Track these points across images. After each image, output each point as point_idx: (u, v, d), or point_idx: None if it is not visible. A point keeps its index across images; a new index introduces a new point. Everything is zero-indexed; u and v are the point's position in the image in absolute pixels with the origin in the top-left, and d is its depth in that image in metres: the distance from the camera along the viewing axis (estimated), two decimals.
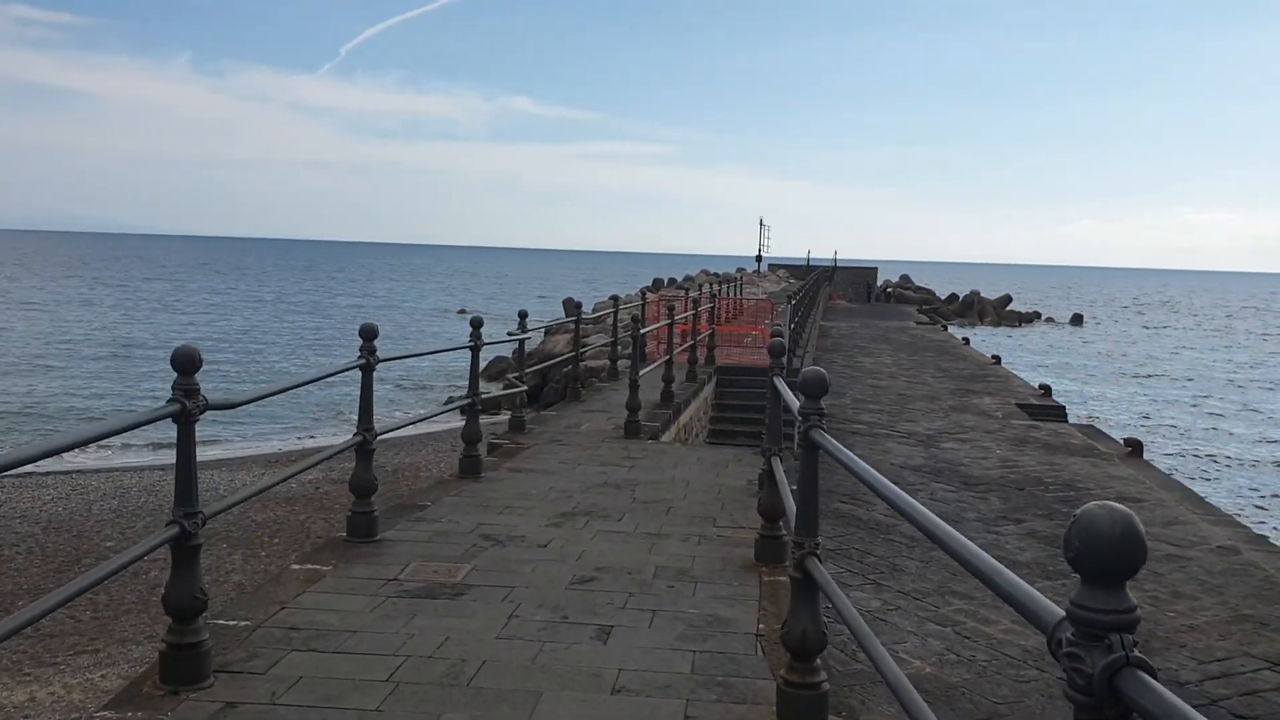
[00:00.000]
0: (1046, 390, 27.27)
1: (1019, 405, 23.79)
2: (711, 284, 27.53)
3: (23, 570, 13.62)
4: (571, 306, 59.43)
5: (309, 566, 5.94)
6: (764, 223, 66.30)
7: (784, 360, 6.24)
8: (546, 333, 35.66)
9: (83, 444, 3.88)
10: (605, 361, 21.94)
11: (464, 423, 8.86)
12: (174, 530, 4.08)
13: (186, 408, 4.04)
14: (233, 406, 4.62)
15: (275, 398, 5.72)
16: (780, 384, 5.74)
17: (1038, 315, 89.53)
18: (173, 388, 4.07)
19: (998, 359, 35.20)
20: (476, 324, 8.55)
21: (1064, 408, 24.99)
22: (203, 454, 23.12)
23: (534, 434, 11.12)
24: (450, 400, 33.25)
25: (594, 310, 47.92)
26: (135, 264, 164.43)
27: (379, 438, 6.75)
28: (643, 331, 11.20)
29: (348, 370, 6.40)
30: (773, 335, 8.45)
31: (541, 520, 7.26)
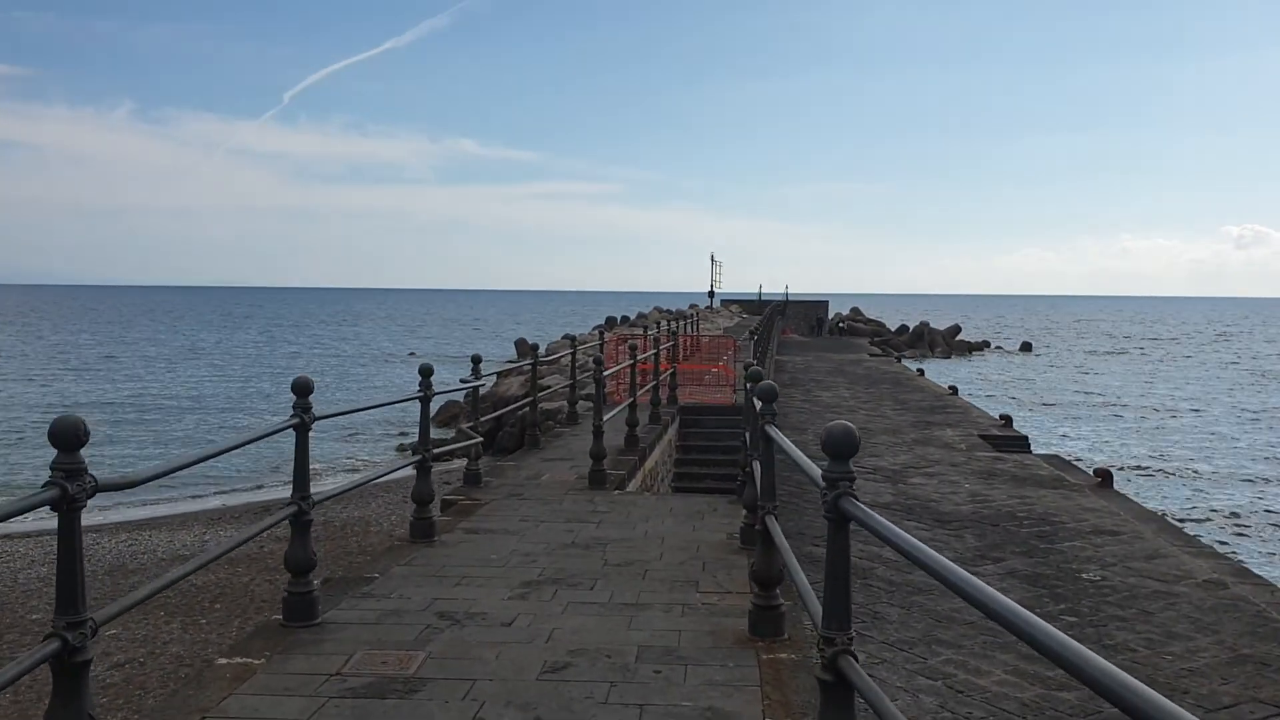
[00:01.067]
0: (1007, 420, 26.94)
1: (981, 436, 23.37)
2: (669, 321, 26.93)
3: None
4: (525, 347, 58.48)
5: (237, 661, 5.11)
6: (715, 258, 66.05)
7: (774, 407, 5.54)
8: (499, 375, 34.71)
9: None
10: (563, 404, 21.20)
11: (415, 480, 8.07)
12: (54, 645, 3.27)
13: (68, 492, 3.26)
14: (130, 486, 3.83)
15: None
16: (780, 437, 5.04)
17: (987, 344, 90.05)
18: (51, 467, 3.31)
19: (955, 389, 34.93)
20: (425, 372, 7.80)
21: (1026, 438, 24.65)
22: (140, 513, 22.05)
23: (491, 487, 10.32)
24: (401, 448, 32.24)
25: (548, 351, 47.14)
26: (75, 314, 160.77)
27: (317, 504, 5.94)
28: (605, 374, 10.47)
29: (279, 432, 5.60)
30: (751, 374, 7.78)
31: (504, 592, 6.47)
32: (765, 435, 5.46)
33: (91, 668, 3.51)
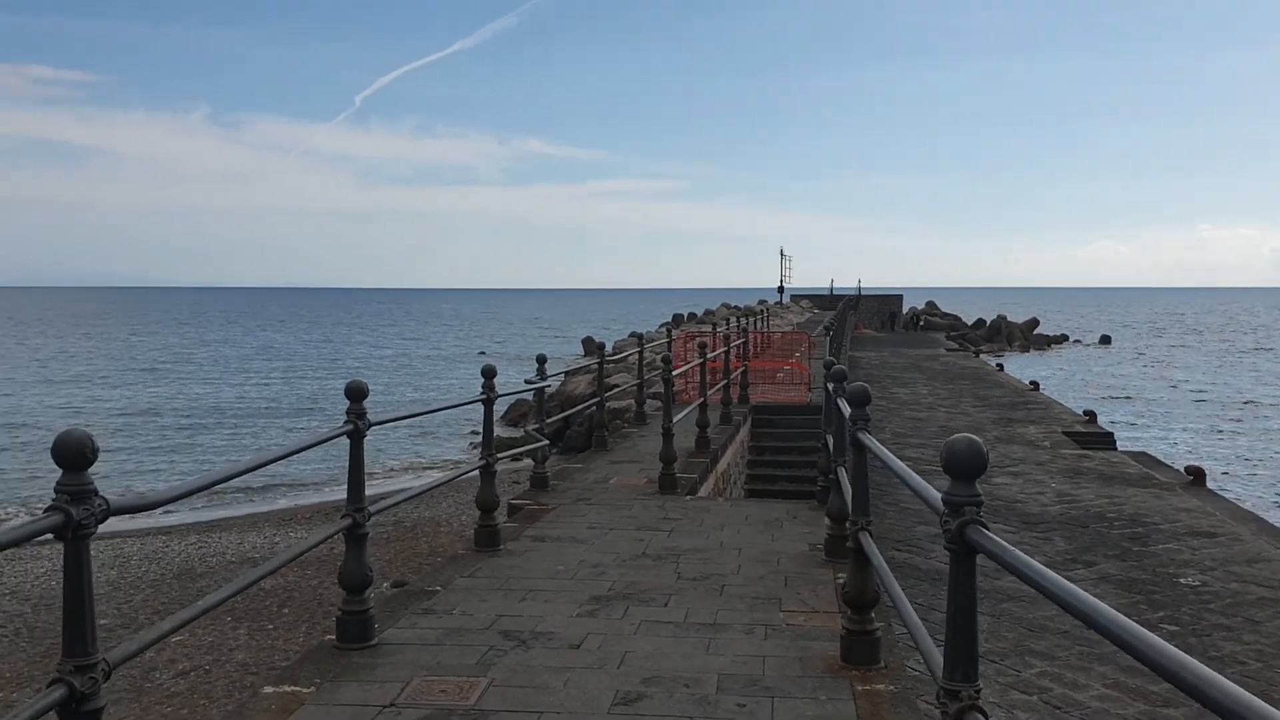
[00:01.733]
0: (1091, 416, 26.07)
1: (1065, 433, 22.56)
2: (739, 317, 26.32)
3: (4, 657, 12.46)
4: (592, 346, 58.26)
5: (285, 690, 4.73)
6: (784, 253, 65.13)
7: (867, 410, 5.02)
8: (566, 375, 34.48)
9: None
10: (630, 403, 20.77)
11: (479, 485, 7.67)
12: (60, 692, 2.88)
13: (73, 517, 2.86)
14: (149, 508, 3.44)
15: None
16: (878, 446, 4.51)
17: (1065, 337, 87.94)
18: (55, 490, 2.90)
19: (1036, 385, 34.01)
20: (488, 374, 7.40)
21: (1112, 434, 23.81)
22: (209, 515, 22.10)
23: (558, 491, 9.91)
24: (473, 445, 32.01)
25: (615, 350, 46.75)
26: (152, 317, 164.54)
27: (374, 516, 5.56)
28: (678, 373, 10.00)
29: (332, 439, 5.22)
30: (835, 372, 7.26)
31: (572, 608, 6.03)
32: (857, 443, 4.94)
33: (156, 678, 3.10)
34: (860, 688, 4.71)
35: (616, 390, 16.53)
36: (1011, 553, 2.50)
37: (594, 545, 7.64)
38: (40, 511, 2.92)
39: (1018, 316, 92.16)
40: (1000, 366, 42.84)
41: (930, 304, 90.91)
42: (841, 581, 6.56)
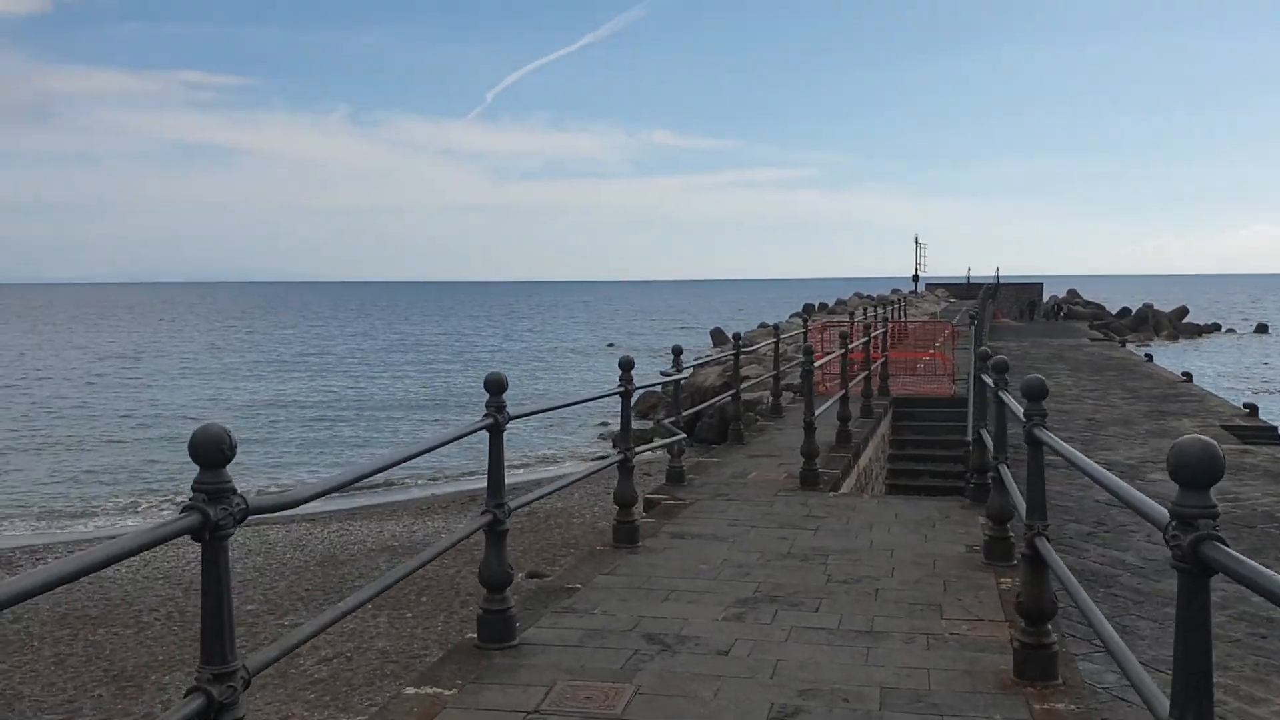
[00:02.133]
0: (1252, 409, 24.61)
1: (1224, 427, 21.31)
2: (877, 307, 25.65)
3: (159, 639, 12.87)
4: (721, 337, 57.63)
5: (427, 691, 4.59)
6: (919, 241, 63.53)
7: (1043, 405, 4.60)
8: (698, 367, 34.40)
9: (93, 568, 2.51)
10: (762, 395, 20.38)
11: (616, 479, 7.46)
12: (198, 702, 2.72)
13: (210, 518, 2.71)
14: (289, 506, 3.29)
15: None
16: (1067, 449, 4.10)
17: (1217, 326, 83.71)
18: (192, 488, 2.75)
19: (1188, 376, 32.48)
20: (626, 365, 7.18)
21: (1276, 428, 22.41)
22: (349, 503, 22.58)
23: (695, 486, 9.65)
24: (603, 437, 32.08)
25: (746, 341, 46.34)
26: (293, 310, 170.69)
27: (514, 512, 5.39)
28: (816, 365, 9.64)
29: (472, 433, 5.06)
30: (997, 363, 6.81)
31: (717, 610, 5.76)
32: (1034, 440, 4.53)
33: (300, 664, 2.94)
34: (1038, 706, 4.31)
35: (750, 382, 16.19)
36: (1263, 574, 2.12)
37: (736, 543, 7.35)
38: (179, 510, 2.78)
39: (1164, 305, 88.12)
40: (1149, 357, 40.94)
41: (1072, 292, 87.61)
42: (1005, 588, 6.14)
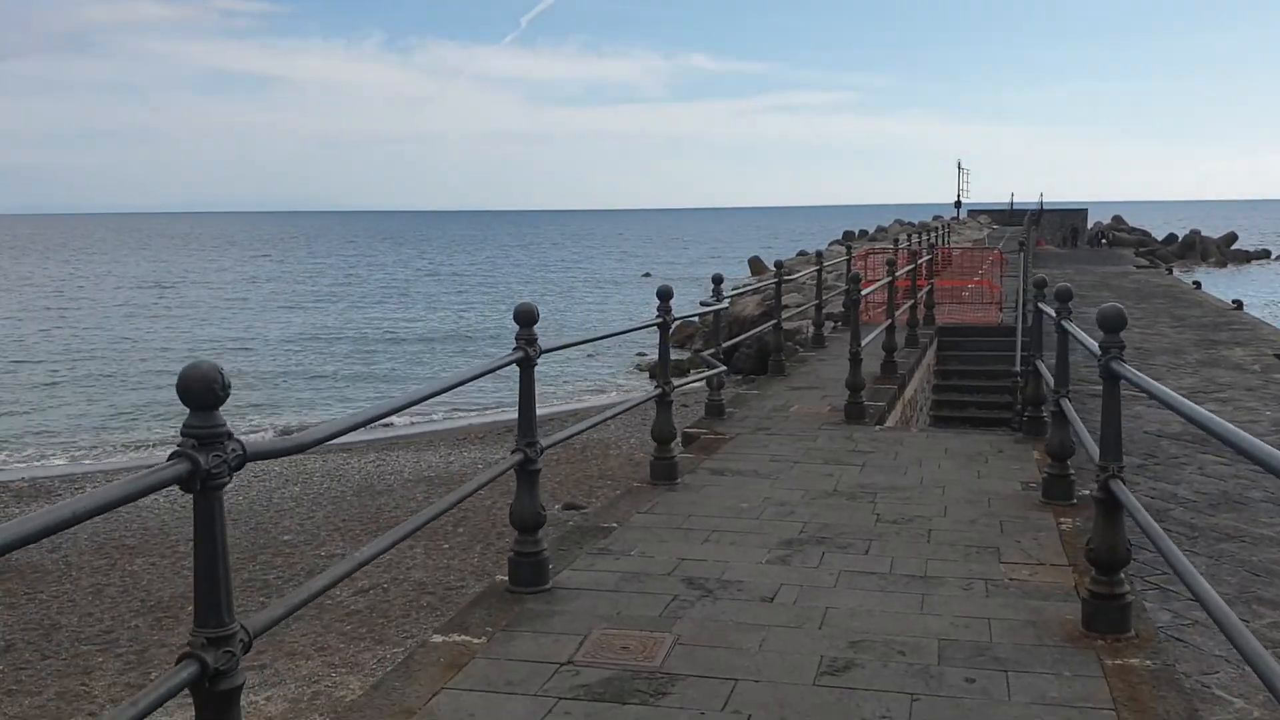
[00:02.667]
0: None
1: (1277, 356, 20.69)
2: (921, 233, 24.99)
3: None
4: (759, 266, 56.89)
5: (455, 639, 4.33)
6: (962, 166, 62.11)
7: (1121, 336, 4.22)
8: (736, 296, 33.99)
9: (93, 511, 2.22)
10: (800, 324, 19.93)
11: (654, 414, 7.15)
12: (191, 669, 2.44)
13: (202, 465, 2.43)
14: (286, 453, 3.00)
15: None
16: (1152, 383, 3.72)
17: (1267, 253, 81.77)
18: (182, 433, 2.46)
19: (1239, 304, 31.72)
20: (664, 295, 6.83)
21: None
22: (386, 433, 22.52)
23: (735, 419, 9.33)
24: (640, 367, 31.70)
25: (786, 270, 45.56)
26: (328, 240, 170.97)
27: (546, 450, 5.10)
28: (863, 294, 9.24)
29: (500, 369, 4.75)
30: (1060, 290, 6.42)
31: (761, 553, 5.46)
32: (1111, 374, 4.15)
33: (337, 595, 2.64)
34: (1110, 662, 3.99)
35: (792, 312, 15.76)
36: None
37: (779, 481, 7.04)
38: (167, 458, 2.48)
39: (1211, 231, 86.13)
40: (1197, 284, 40.05)
41: (1117, 218, 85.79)
42: (1066, 528, 5.79)
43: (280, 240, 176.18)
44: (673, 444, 6.89)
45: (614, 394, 26.56)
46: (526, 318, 4.83)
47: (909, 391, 12.06)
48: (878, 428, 9.09)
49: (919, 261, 14.12)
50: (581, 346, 37.50)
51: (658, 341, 6.88)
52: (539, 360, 4.83)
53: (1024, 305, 16.18)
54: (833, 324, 16.32)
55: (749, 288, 10.75)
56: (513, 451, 4.98)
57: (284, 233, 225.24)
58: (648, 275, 79.54)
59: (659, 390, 6.79)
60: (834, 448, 8.12)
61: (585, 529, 5.97)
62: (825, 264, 14.44)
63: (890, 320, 11.29)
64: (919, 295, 14.22)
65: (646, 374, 29.51)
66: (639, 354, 34.33)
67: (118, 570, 12.87)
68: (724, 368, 8.93)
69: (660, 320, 6.73)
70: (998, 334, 16.10)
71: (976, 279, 18.17)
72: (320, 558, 13.12)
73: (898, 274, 11.59)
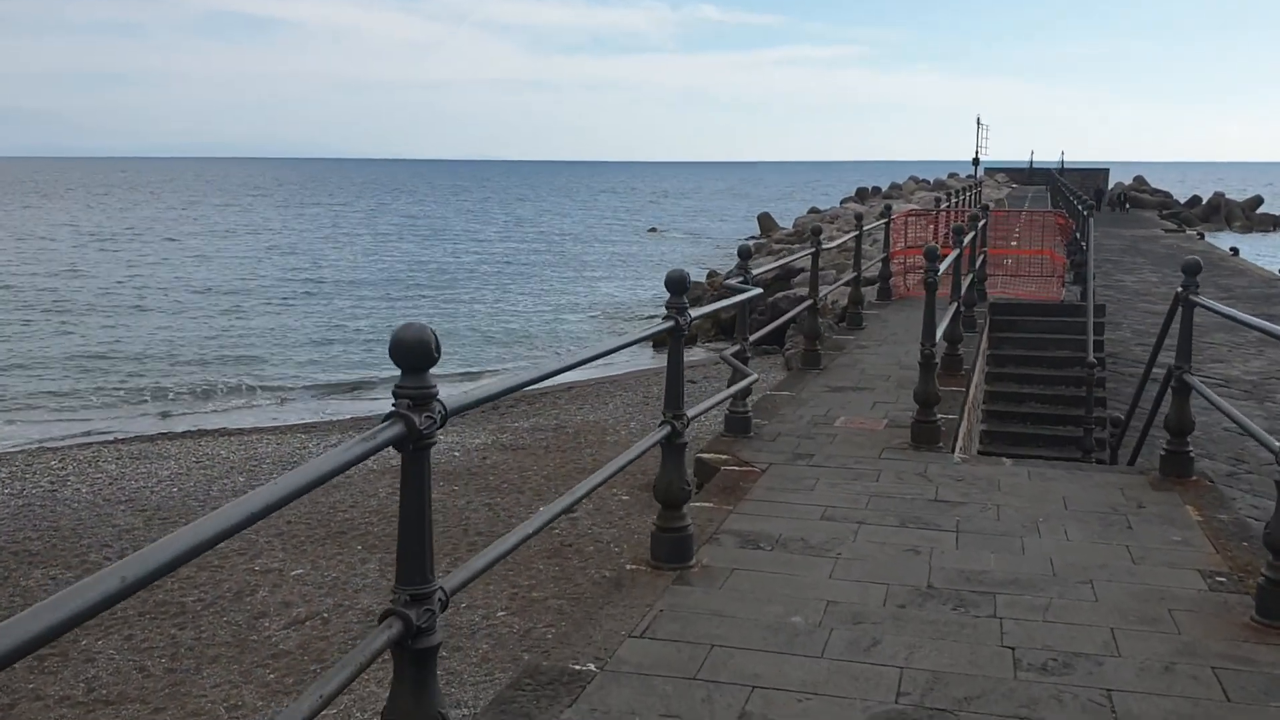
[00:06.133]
0: None
1: None
2: (952, 194, 22.53)
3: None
4: (769, 223, 54.22)
5: None
6: (981, 122, 59.20)
7: None
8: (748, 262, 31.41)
9: None
10: (824, 293, 17.47)
11: (660, 462, 4.87)
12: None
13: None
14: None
15: None
16: None
17: None
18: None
19: None
20: (676, 286, 4.54)
21: None
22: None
23: (764, 437, 7.05)
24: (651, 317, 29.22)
25: (797, 230, 42.95)
26: (333, 186, 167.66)
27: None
28: (895, 262, 6.90)
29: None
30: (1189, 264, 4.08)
31: None
32: None
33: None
34: None
35: (832, 288, 13.38)
36: None
37: (841, 562, 4.74)
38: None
39: (1231, 193, 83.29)
40: (1234, 250, 37.81)
41: (1138, 179, 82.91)
42: None
43: (281, 185, 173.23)
44: (684, 509, 4.59)
45: (613, 368, 24.30)
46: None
47: (972, 390, 9.76)
48: (956, 457, 6.77)
49: (979, 226, 11.72)
50: (593, 305, 35.39)
51: (668, 354, 4.57)
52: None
53: (1091, 281, 13.90)
54: (872, 298, 13.96)
55: (780, 263, 8.67)
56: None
57: (286, 178, 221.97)
58: (653, 230, 76.95)
59: (668, 427, 4.49)
60: (907, 494, 5.82)
61: (544, 676, 3.68)
62: (864, 228, 12.05)
63: (958, 305, 8.95)
64: (976, 267, 11.85)
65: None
66: (638, 311, 31.95)
67: None
68: (755, 376, 6.61)
69: (672, 323, 4.43)
70: (1060, 313, 13.78)
71: (1046, 249, 15.79)
72: (254, 572, 10.93)
73: (964, 241, 9.21)
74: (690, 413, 4.67)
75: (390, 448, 2.45)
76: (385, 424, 2.49)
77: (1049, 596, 4.34)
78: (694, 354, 21.91)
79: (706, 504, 5.59)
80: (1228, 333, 17.79)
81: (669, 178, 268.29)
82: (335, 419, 19.63)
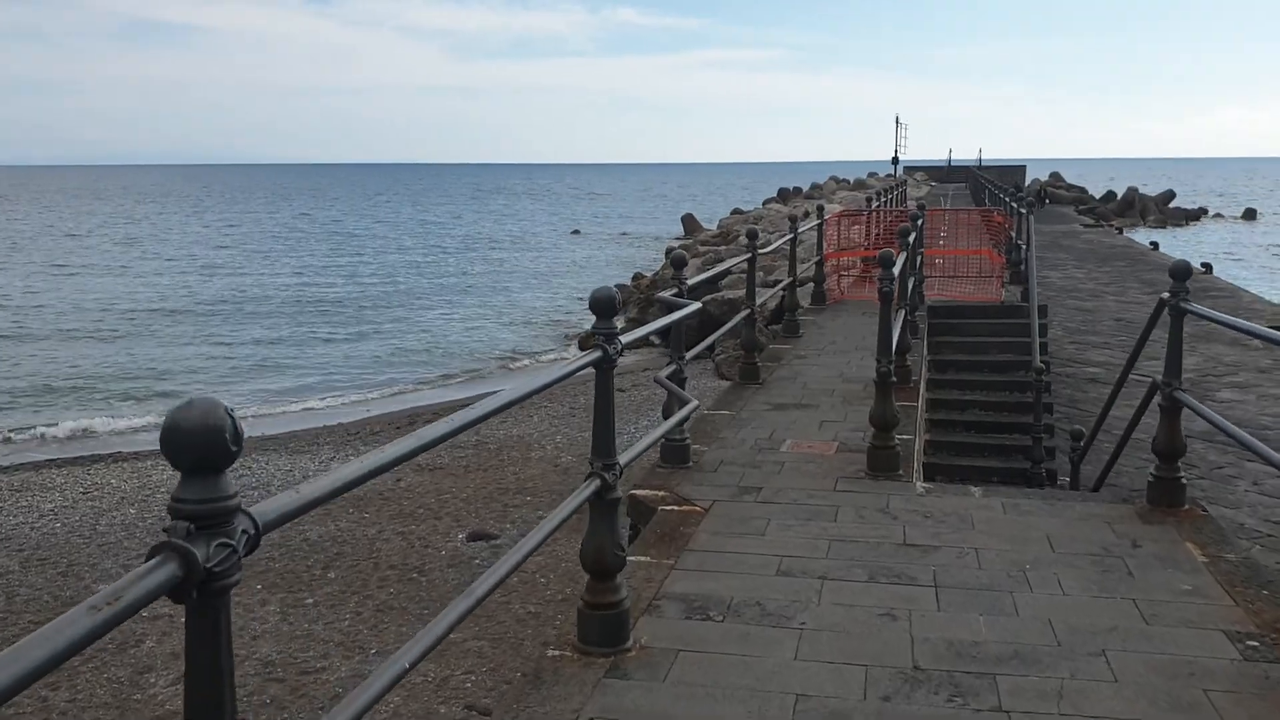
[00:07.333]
0: None
1: (1274, 328, 18.18)
2: (879, 194, 22.04)
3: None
4: (693, 224, 53.62)
5: None
6: (900, 121, 59.39)
7: None
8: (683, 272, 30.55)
9: None
10: (759, 300, 16.76)
11: (586, 521, 4.03)
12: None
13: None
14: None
15: None
16: None
17: (1204, 211, 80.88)
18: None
19: (1208, 267, 29.88)
20: (602, 309, 3.69)
21: None
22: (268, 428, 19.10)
23: (704, 467, 6.26)
24: (568, 338, 28.07)
25: (722, 230, 42.36)
26: (247, 192, 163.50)
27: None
28: (828, 264, 6.19)
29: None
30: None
31: None
32: None
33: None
34: None
35: (770, 294, 12.65)
36: None
37: (805, 632, 3.95)
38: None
39: (1144, 189, 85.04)
40: (1155, 245, 38.20)
41: (1055, 175, 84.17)
42: None
43: (205, 192, 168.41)
44: (618, 578, 3.75)
45: (543, 366, 23.18)
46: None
47: (921, 403, 9.09)
48: (919, 487, 6.03)
49: (919, 226, 11.08)
50: (503, 312, 34.13)
51: (595, 388, 3.72)
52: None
53: (1034, 280, 13.37)
54: (807, 304, 13.27)
55: (716, 271, 7.95)
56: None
57: (201, 186, 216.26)
58: (577, 232, 76.03)
59: (597, 480, 3.64)
60: (872, 536, 5.06)
61: None
62: (800, 229, 11.33)
63: (904, 311, 8.26)
64: (916, 269, 11.22)
65: (576, 345, 26.20)
66: (560, 319, 30.86)
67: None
68: (696, 404, 5.80)
69: (599, 354, 3.59)
70: (1001, 314, 13.25)
71: (985, 249, 15.25)
72: (140, 619, 9.86)
73: (912, 244, 8.51)
74: (624, 458, 3.84)
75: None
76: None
77: (1059, 677, 3.59)
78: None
79: (643, 557, 4.76)
80: (1159, 328, 17.52)
81: (592, 179, 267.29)
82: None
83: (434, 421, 2.69)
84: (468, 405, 2.82)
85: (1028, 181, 72.36)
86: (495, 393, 3.03)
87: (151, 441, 18.48)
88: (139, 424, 19.52)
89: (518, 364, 25.55)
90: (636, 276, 32.42)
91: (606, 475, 3.65)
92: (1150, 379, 5.95)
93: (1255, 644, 3.81)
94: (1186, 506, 5.40)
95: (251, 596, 10.28)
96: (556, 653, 3.74)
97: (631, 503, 5.70)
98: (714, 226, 47.56)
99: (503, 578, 2.94)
